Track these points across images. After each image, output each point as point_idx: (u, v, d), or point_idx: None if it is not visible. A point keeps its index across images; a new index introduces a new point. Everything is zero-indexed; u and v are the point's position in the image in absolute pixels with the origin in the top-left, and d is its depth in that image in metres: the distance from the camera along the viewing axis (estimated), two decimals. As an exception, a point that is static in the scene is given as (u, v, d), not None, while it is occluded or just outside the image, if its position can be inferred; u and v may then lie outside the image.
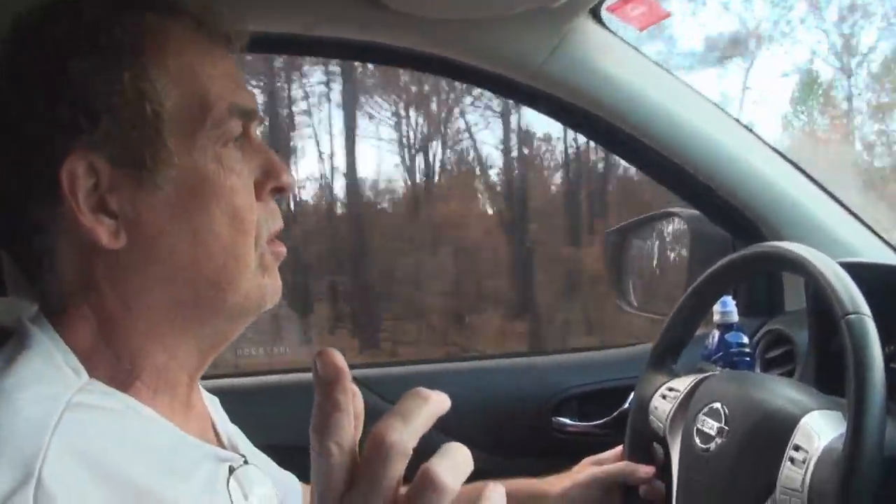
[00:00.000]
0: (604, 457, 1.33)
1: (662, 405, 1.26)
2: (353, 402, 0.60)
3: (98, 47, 0.77)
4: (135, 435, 0.75)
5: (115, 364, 0.79)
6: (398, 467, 0.56)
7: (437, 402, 0.59)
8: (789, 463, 0.96)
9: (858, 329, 0.94)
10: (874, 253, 1.56)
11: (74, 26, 0.78)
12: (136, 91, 0.77)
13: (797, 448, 0.96)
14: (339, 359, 0.58)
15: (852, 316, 0.95)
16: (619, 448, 1.33)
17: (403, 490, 0.56)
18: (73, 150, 0.76)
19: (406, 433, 0.56)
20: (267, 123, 5.39)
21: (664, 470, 1.25)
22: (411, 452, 0.56)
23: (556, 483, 1.29)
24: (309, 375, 1.62)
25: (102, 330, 0.79)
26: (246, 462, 0.86)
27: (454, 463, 0.57)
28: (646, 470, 1.27)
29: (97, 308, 0.79)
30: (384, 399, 1.49)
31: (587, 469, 1.31)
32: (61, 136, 0.76)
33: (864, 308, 0.96)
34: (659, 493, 1.26)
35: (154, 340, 0.81)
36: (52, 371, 0.75)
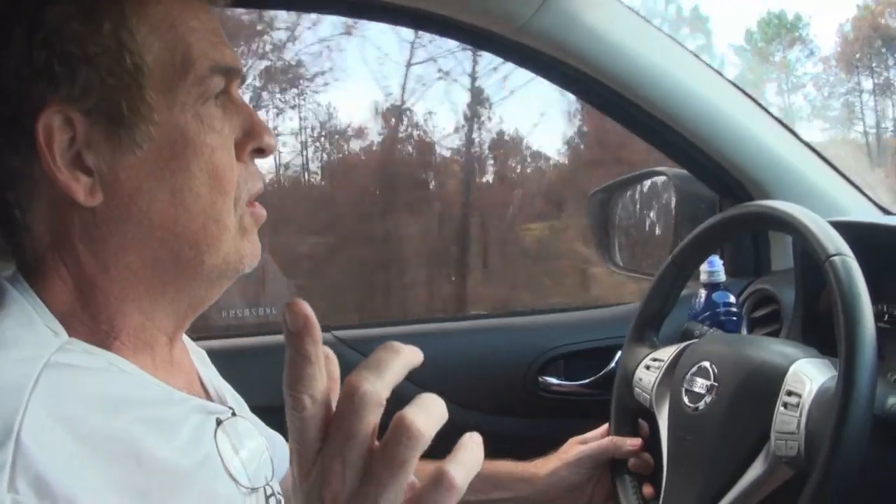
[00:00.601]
0: (589, 435, 1.33)
1: (647, 376, 1.25)
2: (328, 365, 0.60)
3: None
4: (117, 391, 0.74)
5: (92, 325, 0.78)
6: (372, 417, 0.56)
7: (409, 354, 0.60)
8: (783, 408, 0.97)
9: (842, 268, 0.94)
10: (862, 212, 1.56)
11: None
12: (116, 41, 0.75)
13: (790, 393, 0.97)
14: (307, 309, 0.57)
15: (835, 257, 0.95)
16: (605, 426, 1.33)
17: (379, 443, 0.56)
18: (50, 102, 0.74)
19: (379, 383, 0.56)
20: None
21: (651, 442, 1.26)
22: (384, 403, 0.56)
23: (544, 464, 1.29)
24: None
25: (78, 290, 0.78)
26: (234, 414, 0.86)
27: (427, 411, 0.57)
28: (632, 442, 1.28)
29: (72, 267, 0.78)
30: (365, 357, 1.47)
31: (574, 448, 1.31)
32: (38, 85, 0.74)
33: (847, 250, 0.96)
34: (648, 464, 1.27)
35: (130, 301, 0.79)
36: (29, 331, 0.73)
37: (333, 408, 0.58)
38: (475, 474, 0.57)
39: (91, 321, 0.78)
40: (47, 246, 0.78)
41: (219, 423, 0.83)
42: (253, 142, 0.84)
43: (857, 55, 6.34)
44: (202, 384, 0.92)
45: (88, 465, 0.67)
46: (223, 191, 0.80)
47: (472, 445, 0.58)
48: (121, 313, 0.79)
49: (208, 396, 0.91)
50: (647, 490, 1.25)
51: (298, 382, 0.57)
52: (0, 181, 0.78)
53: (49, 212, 0.78)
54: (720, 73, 1.56)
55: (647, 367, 1.26)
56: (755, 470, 0.99)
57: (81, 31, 0.74)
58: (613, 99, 1.53)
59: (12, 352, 0.70)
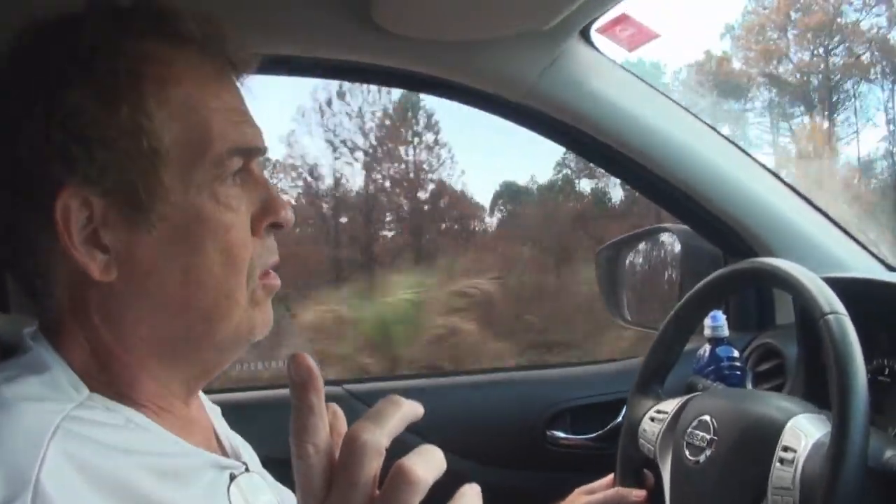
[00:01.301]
0: (595, 485, 1.34)
1: (651, 427, 1.27)
2: (335, 421, 0.65)
3: (96, 75, 0.75)
4: (134, 444, 0.75)
5: (110, 386, 0.79)
6: (373, 465, 0.60)
7: (409, 408, 0.64)
8: (779, 464, 0.98)
9: (836, 327, 0.96)
10: (863, 267, 1.58)
11: (72, 50, 0.76)
12: (133, 124, 0.76)
13: (786, 449, 0.98)
14: (311, 362, 0.61)
15: (830, 316, 0.98)
16: (611, 476, 1.34)
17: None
18: (68, 183, 0.75)
19: (378, 432, 0.60)
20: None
21: (656, 493, 1.26)
22: (384, 452, 0.60)
23: None
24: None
25: (96, 355, 0.79)
26: (247, 469, 0.87)
27: (426, 459, 0.60)
28: (637, 493, 1.28)
29: (89, 335, 0.79)
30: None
31: (580, 499, 1.31)
32: (56, 167, 0.75)
33: (841, 308, 0.98)
34: None
35: (144, 370, 0.80)
36: (50, 386, 0.75)
37: (335, 456, 0.62)
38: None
39: (108, 383, 0.79)
40: (67, 310, 0.80)
41: (232, 478, 0.84)
42: (270, 217, 0.84)
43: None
44: (218, 440, 0.93)
45: None
46: (236, 269, 0.81)
47: (429, 446, 0.62)
48: (136, 380, 0.80)
49: (224, 451, 0.92)
50: None
51: (302, 432, 0.61)
52: (22, 252, 0.80)
53: (67, 284, 0.79)
54: (719, 132, 1.60)
55: (652, 419, 1.27)
56: (754, 524, 1.00)
57: (99, 114, 0.75)
58: (618, 159, 1.58)
59: (34, 404, 0.72)
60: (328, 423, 0.63)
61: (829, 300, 0.99)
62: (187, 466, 0.79)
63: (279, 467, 1.01)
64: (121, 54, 0.77)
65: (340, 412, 0.66)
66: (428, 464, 0.60)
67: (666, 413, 1.25)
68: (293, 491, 1.02)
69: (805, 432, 0.99)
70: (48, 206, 0.75)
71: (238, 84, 0.86)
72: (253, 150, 0.83)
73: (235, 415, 1.03)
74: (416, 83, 1.60)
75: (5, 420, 0.70)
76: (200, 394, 0.97)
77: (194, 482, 0.79)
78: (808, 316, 1.03)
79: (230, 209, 0.80)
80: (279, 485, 1.01)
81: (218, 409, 1.02)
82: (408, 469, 0.59)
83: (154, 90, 0.77)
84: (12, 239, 0.80)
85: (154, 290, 0.79)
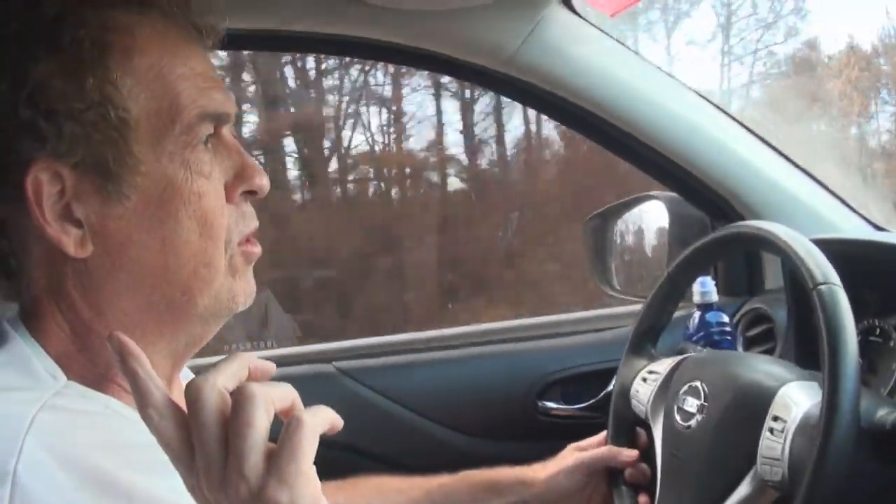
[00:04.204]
0: (588, 442, 1.35)
1: (643, 388, 1.27)
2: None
3: (60, 47, 0.75)
4: (113, 434, 0.75)
5: (89, 367, 0.79)
6: (214, 404, 0.61)
7: (246, 356, 0.65)
8: (768, 433, 0.98)
9: (829, 298, 0.96)
10: (851, 228, 1.57)
11: (35, 23, 0.76)
12: (100, 96, 0.76)
13: (776, 418, 0.98)
14: (122, 336, 0.64)
15: (822, 286, 0.97)
16: (603, 434, 1.35)
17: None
18: (37, 158, 0.75)
19: (213, 377, 0.62)
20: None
21: (648, 453, 1.27)
22: (229, 389, 0.62)
23: (542, 470, 1.30)
24: (295, 369, 1.62)
25: (74, 334, 0.79)
26: None
27: (315, 412, 0.63)
28: (629, 453, 1.29)
29: (67, 313, 0.79)
30: (368, 387, 1.50)
31: (572, 454, 1.32)
32: (25, 142, 0.75)
33: (835, 278, 0.97)
34: (644, 474, 1.28)
35: None
36: (26, 376, 0.75)
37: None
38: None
39: (88, 364, 0.79)
40: (43, 290, 0.79)
41: None
42: (243, 184, 0.84)
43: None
44: None
45: (84, 500, 0.68)
46: (213, 236, 0.80)
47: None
48: (112, 362, 0.78)
49: None
50: (643, 500, 1.26)
51: (140, 400, 0.63)
52: None
53: (43, 260, 0.78)
54: (703, 96, 1.58)
55: (644, 380, 1.28)
56: (742, 491, 1.00)
57: (65, 87, 0.74)
58: (602, 126, 1.56)
59: (10, 395, 0.71)
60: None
61: (823, 269, 0.99)
62: (165, 457, 0.79)
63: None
64: (84, 25, 0.76)
65: (271, 368, 0.68)
66: (317, 415, 0.63)
67: (658, 374, 1.25)
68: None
69: (795, 402, 0.98)
70: (19, 182, 0.74)
71: (205, 52, 0.86)
72: (223, 116, 0.83)
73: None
74: (396, 55, 1.58)
75: None
76: (188, 373, 0.96)
77: (172, 473, 0.78)
78: (799, 282, 1.02)
79: (202, 176, 0.80)
80: None
81: None
82: (298, 416, 0.61)
83: (120, 59, 0.77)
84: None
85: (131, 263, 0.78)
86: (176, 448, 0.62)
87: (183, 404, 0.88)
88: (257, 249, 0.87)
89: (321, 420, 0.63)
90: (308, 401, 0.66)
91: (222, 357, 0.64)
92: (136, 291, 0.79)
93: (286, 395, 0.64)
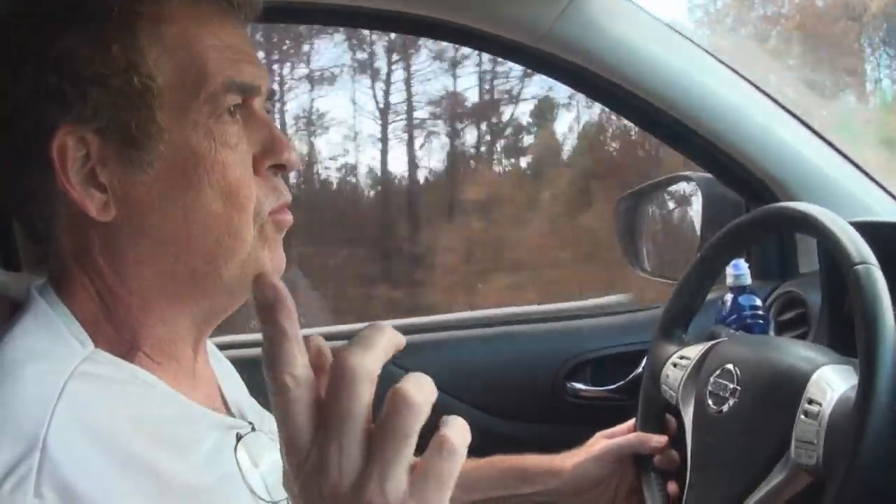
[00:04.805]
0: (616, 430, 1.34)
1: (674, 373, 1.25)
2: (320, 360, 0.58)
3: (87, 14, 0.75)
4: (138, 405, 0.75)
5: (116, 335, 0.79)
6: (366, 393, 0.53)
7: (393, 333, 0.57)
8: (803, 416, 0.96)
9: (866, 278, 0.94)
10: (888, 211, 1.55)
11: None
12: (126, 63, 0.76)
13: (811, 401, 0.96)
14: (277, 280, 0.55)
15: (859, 266, 0.95)
16: (632, 421, 1.33)
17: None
18: (63, 123, 0.75)
19: (369, 357, 0.54)
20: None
21: (678, 439, 1.25)
22: (376, 378, 0.54)
23: (570, 458, 1.30)
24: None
25: (102, 301, 0.79)
26: (254, 429, 0.86)
27: (419, 383, 0.55)
28: (658, 439, 1.27)
29: (94, 279, 0.79)
30: (398, 367, 1.49)
31: (600, 442, 1.31)
32: (51, 107, 0.75)
33: (872, 258, 0.96)
34: (673, 461, 1.27)
35: (151, 313, 0.80)
36: (56, 342, 0.75)
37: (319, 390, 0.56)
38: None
39: (115, 332, 0.79)
40: (70, 255, 0.80)
41: (238, 438, 0.84)
42: (271, 158, 0.83)
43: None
44: (223, 397, 0.93)
45: (111, 475, 0.68)
46: (240, 206, 0.79)
47: (416, 374, 0.56)
48: (143, 324, 0.80)
49: (228, 410, 0.92)
50: (672, 487, 1.25)
51: (276, 362, 0.54)
52: (22, 195, 0.80)
53: (69, 226, 0.79)
54: (742, 75, 1.55)
55: (675, 365, 1.26)
56: (776, 476, 0.98)
57: (91, 54, 0.75)
58: (637, 104, 1.54)
59: (40, 364, 0.72)
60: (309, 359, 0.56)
61: (860, 249, 0.97)
62: (192, 431, 0.79)
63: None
64: None
65: (326, 347, 0.59)
66: (422, 388, 0.54)
67: (689, 359, 1.24)
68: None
69: (831, 385, 0.96)
70: (45, 147, 0.75)
71: (239, 24, 0.84)
72: (251, 87, 0.82)
73: (247, 371, 1.01)
74: (430, 30, 1.57)
75: (10, 380, 0.70)
76: (214, 349, 0.97)
77: (200, 445, 0.78)
78: (836, 264, 1.00)
79: (227, 146, 0.79)
80: None
81: (229, 364, 1.02)
82: (406, 392, 0.53)
83: (148, 28, 0.77)
84: (15, 185, 0.80)
85: (154, 230, 0.78)
86: (298, 429, 0.54)
87: (205, 377, 0.89)
88: (289, 217, 0.85)
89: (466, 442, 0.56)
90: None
91: (367, 325, 0.57)
92: (159, 259, 0.79)
93: (432, 395, 0.55)
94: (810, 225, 1.05)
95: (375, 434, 0.53)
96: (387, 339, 0.56)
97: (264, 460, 0.85)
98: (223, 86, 0.79)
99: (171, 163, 0.77)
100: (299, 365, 0.54)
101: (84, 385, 0.71)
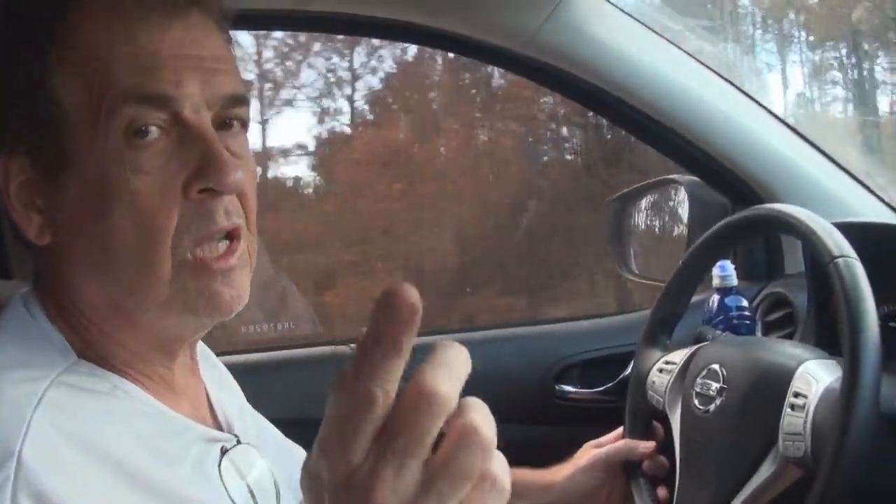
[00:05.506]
0: (604, 438, 1.34)
1: (660, 379, 1.27)
2: None
3: (3, 37, 0.74)
4: (120, 417, 0.73)
5: (90, 349, 0.77)
6: (441, 422, 0.47)
7: (467, 355, 0.50)
8: (790, 410, 0.98)
9: (846, 270, 0.95)
10: (873, 213, 1.56)
11: None
12: (31, 86, 0.73)
13: (797, 394, 0.98)
14: (416, 296, 0.47)
15: (839, 259, 0.97)
16: (620, 429, 1.34)
17: None
18: (3, 147, 0.74)
19: (454, 388, 0.48)
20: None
21: (666, 445, 1.26)
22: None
23: (560, 471, 1.30)
24: (315, 350, 1.61)
25: (72, 314, 0.77)
26: (239, 442, 0.83)
27: (488, 418, 0.49)
28: (646, 445, 1.28)
29: (60, 294, 0.77)
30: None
31: (589, 452, 1.31)
32: None
33: (851, 252, 0.98)
34: (662, 466, 1.27)
35: (107, 336, 0.77)
36: (37, 352, 0.73)
37: None
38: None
39: (86, 345, 0.77)
40: (41, 269, 0.79)
41: (224, 451, 0.81)
42: (199, 181, 0.74)
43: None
44: (211, 408, 0.89)
45: (89, 484, 0.66)
46: (152, 239, 0.73)
47: (444, 344, 0.50)
48: (110, 341, 0.77)
49: (216, 421, 0.88)
50: (662, 492, 1.25)
51: (375, 372, 0.47)
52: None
53: (29, 244, 0.78)
54: (726, 79, 1.57)
55: (661, 371, 1.27)
56: (765, 471, 1.00)
57: (8, 79, 0.74)
58: (622, 109, 1.55)
59: (19, 371, 0.70)
60: None
61: (839, 243, 0.98)
62: (175, 444, 0.76)
63: (285, 428, 1.01)
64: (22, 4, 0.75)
65: None
66: (492, 424, 0.49)
67: (674, 364, 1.25)
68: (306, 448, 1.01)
69: (816, 377, 0.98)
70: None
71: (190, 26, 0.76)
72: (165, 98, 0.73)
73: (243, 376, 1.02)
74: (414, 35, 1.57)
75: None
76: (208, 353, 0.96)
77: (183, 459, 0.76)
78: (818, 262, 1.02)
79: (140, 172, 0.72)
80: (287, 440, 1.00)
81: (224, 370, 0.99)
82: (482, 430, 0.48)
83: (60, 42, 0.73)
84: None
85: (83, 257, 0.75)
86: (359, 442, 0.48)
87: (189, 389, 0.85)
88: (218, 265, 0.76)
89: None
90: (326, 382, 0.60)
91: (447, 346, 0.50)
92: (96, 283, 0.76)
93: (462, 376, 0.49)
94: (791, 225, 1.07)
95: (437, 465, 0.48)
96: (464, 364, 0.50)
97: (251, 474, 0.82)
98: (123, 98, 0.71)
99: (85, 188, 0.73)
100: (395, 384, 0.48)
101: (63, 394, 0.69)
